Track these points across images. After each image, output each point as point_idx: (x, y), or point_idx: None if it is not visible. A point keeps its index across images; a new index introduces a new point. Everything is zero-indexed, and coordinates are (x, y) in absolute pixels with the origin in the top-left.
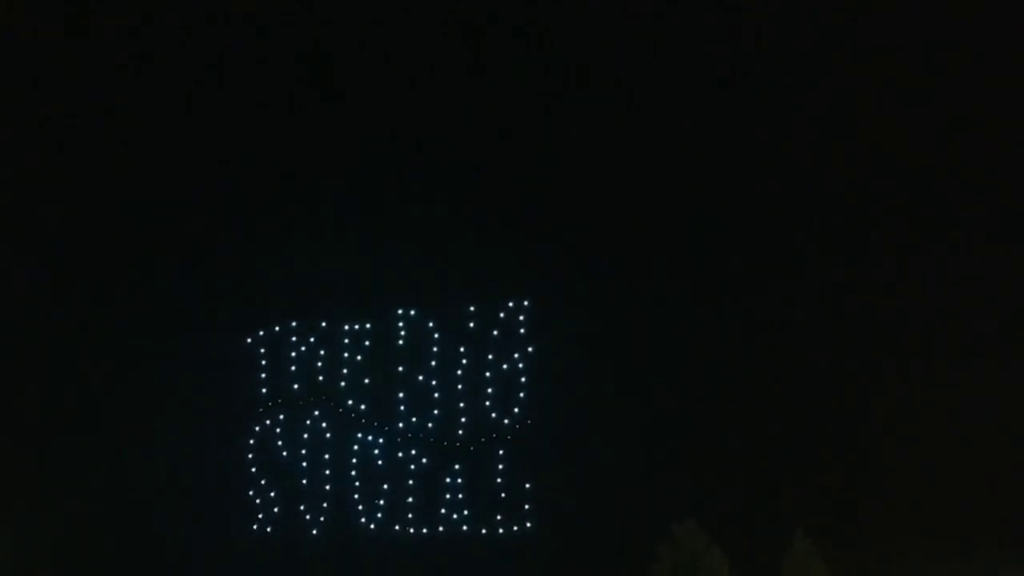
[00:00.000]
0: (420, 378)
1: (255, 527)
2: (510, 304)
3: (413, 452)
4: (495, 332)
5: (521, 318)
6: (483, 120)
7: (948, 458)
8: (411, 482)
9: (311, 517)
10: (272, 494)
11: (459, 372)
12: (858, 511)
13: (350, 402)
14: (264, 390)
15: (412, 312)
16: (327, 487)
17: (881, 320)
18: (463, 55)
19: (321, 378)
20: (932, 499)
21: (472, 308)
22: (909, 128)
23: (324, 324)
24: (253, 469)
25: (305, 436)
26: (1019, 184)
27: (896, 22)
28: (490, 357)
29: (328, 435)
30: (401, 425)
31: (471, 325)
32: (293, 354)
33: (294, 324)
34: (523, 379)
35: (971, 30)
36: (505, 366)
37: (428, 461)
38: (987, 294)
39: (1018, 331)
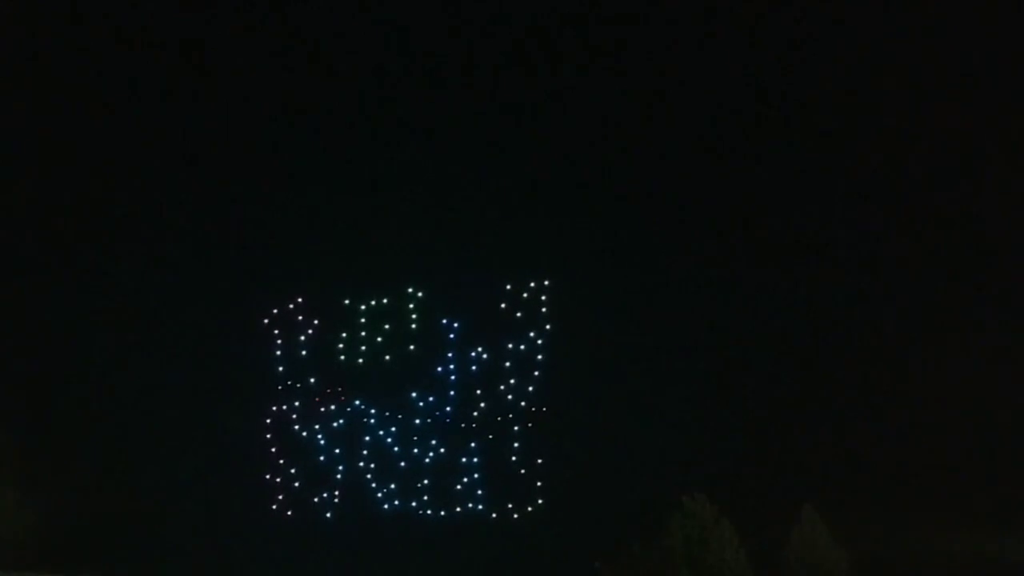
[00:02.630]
0: (437, 357)
1: (274, 507)
2: (531, 285)
3: (429, 432)
4: (514, 313)
5: (541, 299)
6: (507, 104)
7: (950, 433)
8: (426, 463)
9: (327, 498)
10: (290, 475)
11: (475, 353)
12: (864, 484)
13: (366, 382)
14: (281, 368)
15: (420, 293)
16: (343, 469)
17: (882, 307)
18: (488, 42)
19: (336, 357)
20: (935, 472)
21: (491, 288)
22: (916, 128)
23: (346, 303)
24: (272, 450)
25: (321, 418)
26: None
27: (897, 22)
28: (508, 337)
29: (344, 417)
30: (417, 405)
31: (489, 305)
32: (308, 334)
33: (309, 305)
34: (540, 359)
35: (971, 30)
36: (523, 347)
37: (444, 441)
38: (986, 283)
39: (1013, 315)
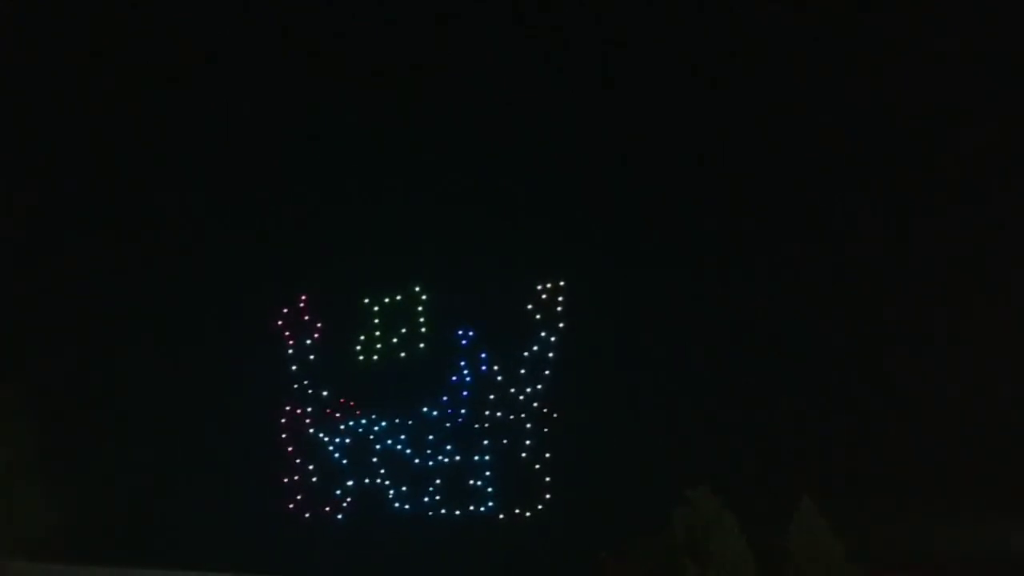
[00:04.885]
0: (449, 358)
1: (291, 506)
2: (547, 285)
3: (440, 433)
4: (528, 313)
5: (558, 299)
6: (525, 105)
7: (948, 424)
8: (438, 464)
9: (340, 498)
10: (301, 476)
11: (487, 354)
12: (861, 476)
13: (376, 383)
14: (294, 367)
15: (431, 293)
16: (353, 471)
17: (882, 301)
18: (501, 38)
19: (346, 358)
20: (932, 463)
21: (505, 288)
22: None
23: (355, 302)
24: (289, 449)
25: (330, 419)
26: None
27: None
28: (521, 337)
29: (353, 418)
30: (429, 406)
31: (503, 305)
32: (321, 334)
33: (319, 305)
34: (551, 359)
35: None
36: (536, 347)
37: (455, 441)
38: (986, 278)
39: (1011, 308)
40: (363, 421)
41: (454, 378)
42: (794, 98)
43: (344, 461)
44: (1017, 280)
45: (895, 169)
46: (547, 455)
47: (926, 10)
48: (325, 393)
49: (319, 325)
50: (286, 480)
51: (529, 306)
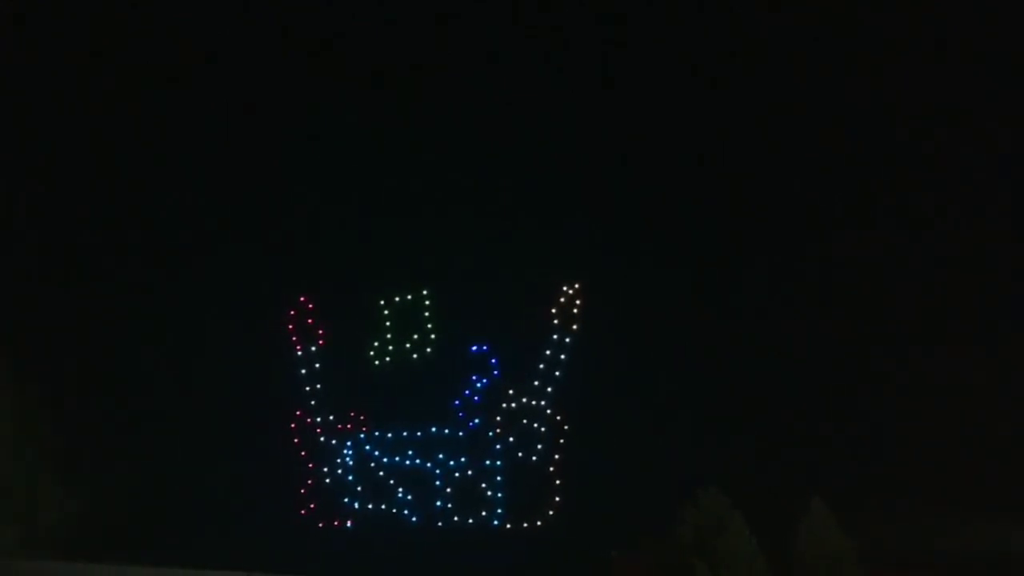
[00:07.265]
0: (459, 364)
1: (303, 512)
2: (564, 288)
3: (450, 440)
4: (541, 316)
5: (575, 301)
6: (539, 110)
7: (956, 426)
8: (449, 471)
9: (349, 505)
10: (316, 480)
11: (498, 359)
12: (870, 478)
13: (385, 388)
14: (303, 371)
15: (441, 295)
16: (362, 478)
17: (889, 300)
18: (517, 42)
19: (355, 362)
20: (941, 465)
21: (521, 291)
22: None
23: (364, 306)
24: (301, 454)
25: (339, 426)
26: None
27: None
28: (534, 341)
29: (365, 428)
30: (439, 413)
31: (516, 308)
32: (330, 338)
33: (328, 307)
34: (563, 361)
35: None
36: (548, 351)
37: (466, 449)
38: (988, 278)
39: (1012, 308)
40: (374, 431)
41: (467, 391)
42: (796, 98)
43: (351, 474)
44: (1018, 280)
45: (896, 169)
46: (557, 457)
47: (926, 10)
48: (334, 400)
49: (322, 331)
50: (297, 487)
51: (552, 309)
